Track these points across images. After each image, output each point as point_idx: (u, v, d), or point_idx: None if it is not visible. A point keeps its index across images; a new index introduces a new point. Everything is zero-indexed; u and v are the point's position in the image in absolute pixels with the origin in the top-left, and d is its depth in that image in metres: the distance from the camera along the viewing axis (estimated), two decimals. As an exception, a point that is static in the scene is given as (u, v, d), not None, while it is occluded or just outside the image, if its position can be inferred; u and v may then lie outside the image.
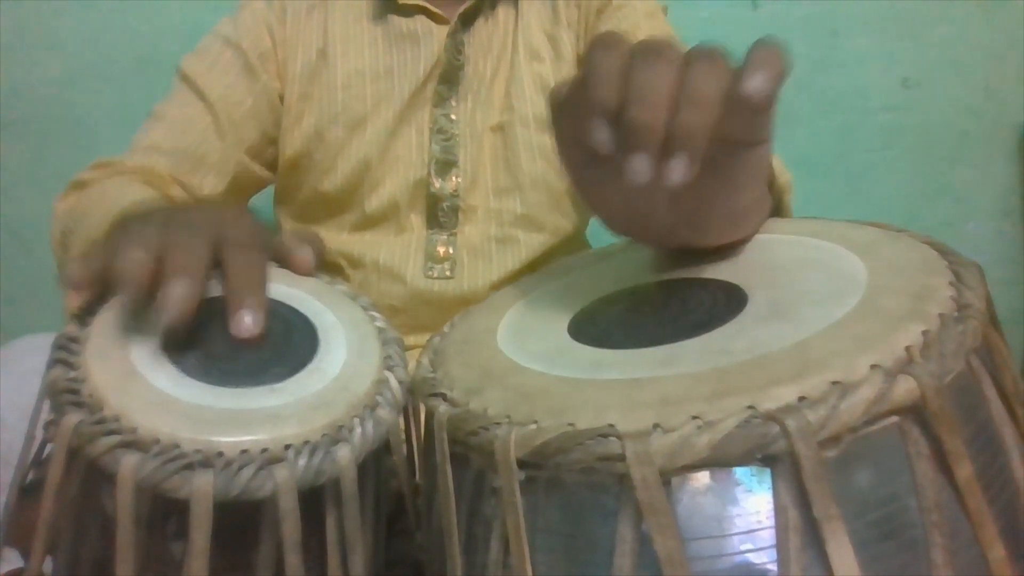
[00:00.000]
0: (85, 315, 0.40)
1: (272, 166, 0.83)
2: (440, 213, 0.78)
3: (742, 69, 0.33)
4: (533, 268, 0.79)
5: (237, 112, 0.78)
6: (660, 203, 0.40)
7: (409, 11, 0.79)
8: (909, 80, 1.36)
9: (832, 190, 1.36)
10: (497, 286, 0.78)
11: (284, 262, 0.47)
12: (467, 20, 0.79)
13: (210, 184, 0.78)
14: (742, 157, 0.38)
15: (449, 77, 0.78)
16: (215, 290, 0.43)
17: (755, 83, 0.32)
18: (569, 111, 0.38)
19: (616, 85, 0.35)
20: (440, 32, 0.78)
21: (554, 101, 0.40)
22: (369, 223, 0.80)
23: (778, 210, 0.54)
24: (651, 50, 0.35)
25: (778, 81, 0.33)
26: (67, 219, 0.70)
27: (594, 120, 0.35)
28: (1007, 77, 1.35)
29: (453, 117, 0.78)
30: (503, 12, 0.79)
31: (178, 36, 1.25)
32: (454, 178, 0.78)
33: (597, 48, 0.36)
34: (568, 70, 0.79)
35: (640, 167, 0.34)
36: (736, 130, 0.35)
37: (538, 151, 0.78)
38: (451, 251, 0.78)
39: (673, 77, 0.34)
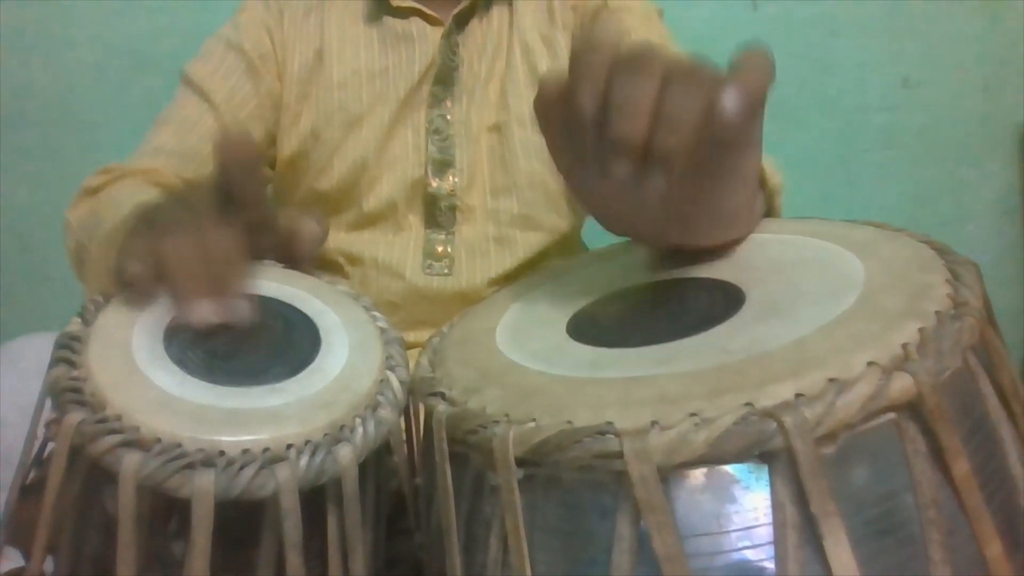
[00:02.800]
0: (87, 314, 0.41)
1: (274, 165, 0.83)
2: (438, 212, 0.79)
3: (724, 82, 0.33)
4: (530, 266, 0.79)
5: (242, 113, 0.79)
6: (648, 202, 0.41)
7: (404, 13, 0.79)
8: (909, 80, 1.36)
9: (832, 190, 1.36)
10: (495, 283, 0.78)
11: (291, 240, 0.47)
12: (461, 21, 0.79)
13: None
14: (729, 159, 0.39)
15: (444, 78, 0.78)
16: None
17: (733, 102, 0.33)
18: (555, 112, 0.39)
19: (598, 93, 0.35)
20: (434, 33, 0.79)
21: (540, 101, 0.40)
22: (367, 222, 0.80)
23: (769, 211, 0.54)
24: (634, 60, 0.35)
25: (762, 92, 0.34)
26: (80, 229, 0.70)
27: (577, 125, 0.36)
28: (1007, 77, 1.35)
29: (449, 118, 0.79)
30: (497, 13, 0.80)
31: (178, 36, 1.25)
32: (451, 178, 0.78)
33: (582, 50, 0.36)
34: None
35: (620, 171, 0.35)
36: (720, 138, 0.36)
37: (534, 150, 0.78)
38: (449, 250, 0.79)
39: (653, 91, 0.34)
